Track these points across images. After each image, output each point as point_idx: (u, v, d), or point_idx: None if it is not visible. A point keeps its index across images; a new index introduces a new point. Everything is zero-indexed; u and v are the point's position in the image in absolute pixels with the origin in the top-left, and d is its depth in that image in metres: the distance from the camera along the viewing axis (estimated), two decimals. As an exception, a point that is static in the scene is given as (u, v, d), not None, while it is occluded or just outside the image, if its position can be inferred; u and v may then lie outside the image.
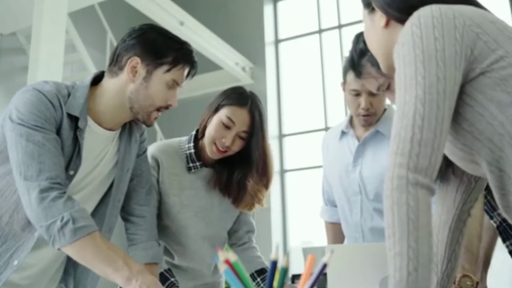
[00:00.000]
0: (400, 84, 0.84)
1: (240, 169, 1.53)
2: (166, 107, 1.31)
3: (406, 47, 0.84)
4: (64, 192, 1.13)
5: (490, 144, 0.83)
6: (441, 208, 1.08)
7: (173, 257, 1.56)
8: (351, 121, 1.82)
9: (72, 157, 1.22)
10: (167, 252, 1.57)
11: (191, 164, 1.55)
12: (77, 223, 1.09)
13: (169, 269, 1.51)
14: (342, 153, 1.81)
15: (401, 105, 0.82)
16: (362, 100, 1.66)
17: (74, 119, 1.22)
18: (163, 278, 1.46)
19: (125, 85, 1.28)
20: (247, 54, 6.41)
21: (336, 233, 1.94)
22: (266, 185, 1.55)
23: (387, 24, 0.98)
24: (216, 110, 1.50)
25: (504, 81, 0.82)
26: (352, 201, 1.76)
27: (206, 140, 1.51)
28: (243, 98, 1.50)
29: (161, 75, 1.27)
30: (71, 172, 1.23)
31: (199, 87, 5.87)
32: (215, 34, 5.79)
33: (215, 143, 1.48)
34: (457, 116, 0.86)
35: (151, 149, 1.56)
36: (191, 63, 1.32)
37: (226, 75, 6.26)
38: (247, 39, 6.58)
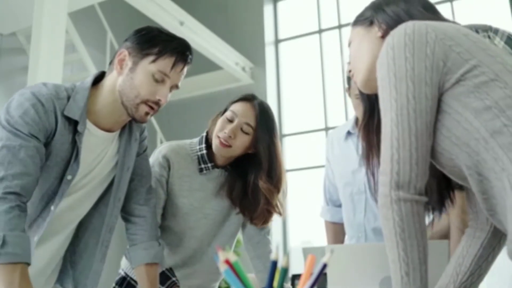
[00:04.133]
0: (381, 107, 0.93)
1: (252, 171, 1.53)
2: (156, 103, 1.26)
3: (383, 69, 0.92)
4: (18, 206, 1.09)
5: (467, 149, 0.87)
6: (475, 224, 1.08)
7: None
8: (357, 122, 1.84)
9: (69, 161, 1.22)
10: None
11: (203, 165, 1.55)
12: (5, 248, 1.04)
13: (170, 268, 1.51)
14: (348, 153, 1.82)
15: (383, 128, 0.90)
16: None
17: (73, 123, 1.22)
18: (164, 277, 1.45)
19: (115, 80, 1.27)
20: (247, 54, 6.41)
21: (336, 233, 1.94)
22: (277, 186, 1.52)
23: (383, 36, 1.04)
24: (224, 112, 1.55)
25: (478, 88, 0.87)
26: (356, 200, 1.77)
27: (212, 138, 1.53)
28: (248, 96, 1.56)
29: (147, 66, 1.24)
30: (69, 177, 1.22)
31: (199, 87, 5.86)
32: (215, 34, 5.78)
33: (218, 137, 1.49)
34: (437, 123, 0.90)
35: (164, 149, 1.56)
36: (179, 54, 1.26)
37: (226, 75, 6.25)
38: (247, 39, 6.57)
